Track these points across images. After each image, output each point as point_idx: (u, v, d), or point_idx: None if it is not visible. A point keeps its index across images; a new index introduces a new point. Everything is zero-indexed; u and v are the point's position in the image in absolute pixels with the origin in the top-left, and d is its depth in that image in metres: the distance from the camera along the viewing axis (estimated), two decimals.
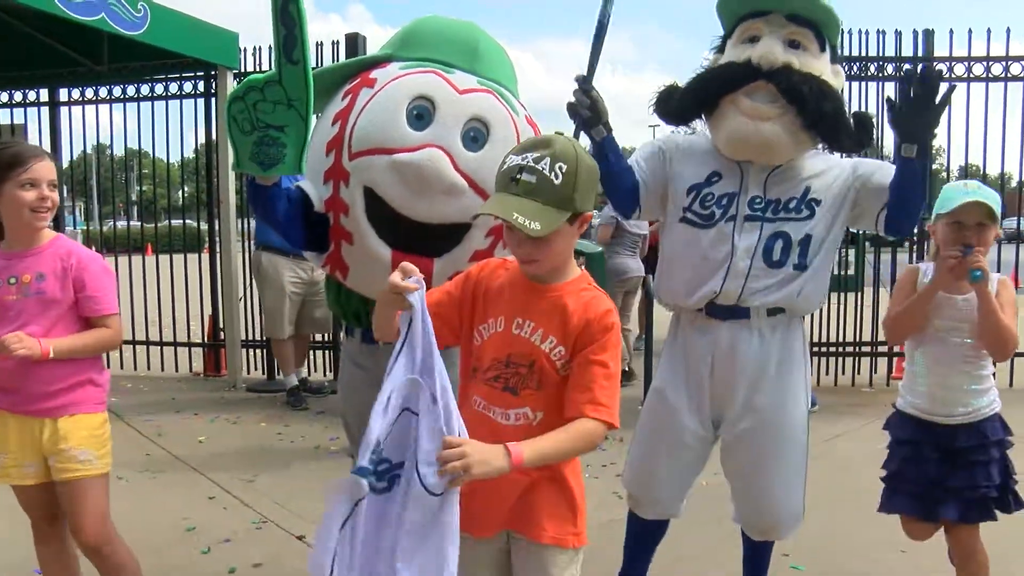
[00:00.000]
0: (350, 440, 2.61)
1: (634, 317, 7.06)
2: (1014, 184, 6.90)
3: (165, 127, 6.71)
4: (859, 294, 6.52)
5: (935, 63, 6.03)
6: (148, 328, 7.04)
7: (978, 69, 6.09)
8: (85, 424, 2.31)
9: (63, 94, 7.12)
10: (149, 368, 6.95)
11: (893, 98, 2.21)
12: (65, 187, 8.72)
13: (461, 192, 2.24)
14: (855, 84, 6.10)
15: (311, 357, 6.70)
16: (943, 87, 2.15)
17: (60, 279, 2.27)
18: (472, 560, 1.67)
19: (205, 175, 6.81)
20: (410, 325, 1.53)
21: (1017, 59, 6.06)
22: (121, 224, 9.81)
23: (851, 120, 2.38)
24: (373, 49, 2.63)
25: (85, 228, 8.57)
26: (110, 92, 6.91)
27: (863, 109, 5.63)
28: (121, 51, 6.12)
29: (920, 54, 6.07)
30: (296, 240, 2.42)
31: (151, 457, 4.55)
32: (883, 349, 6.49)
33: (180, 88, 6.67)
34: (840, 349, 6.50)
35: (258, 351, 6.74)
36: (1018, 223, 8.61)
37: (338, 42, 6.22)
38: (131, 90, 6.84)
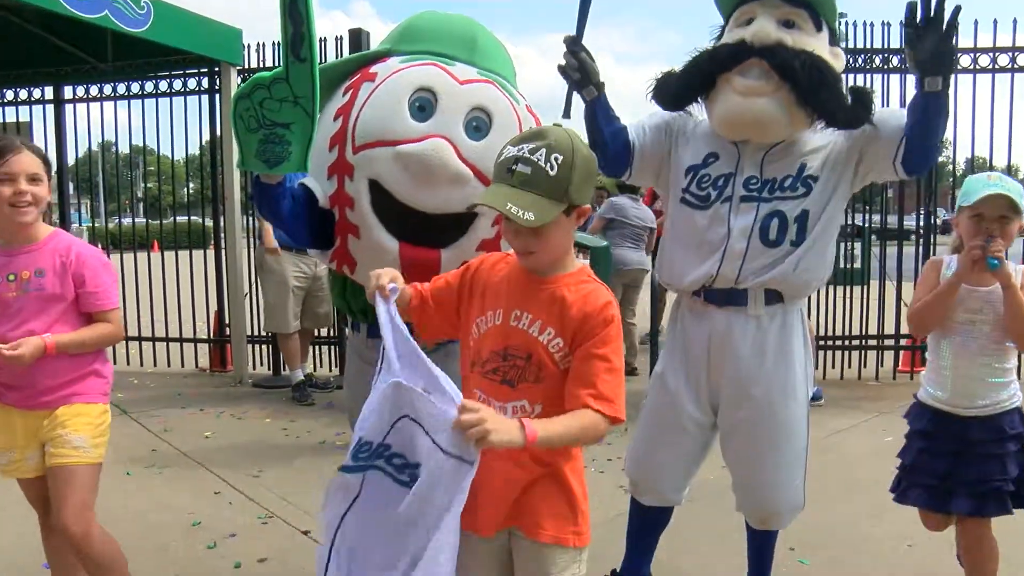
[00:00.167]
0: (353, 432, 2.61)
1: (641, 312, 7.01)
2: (1021, 175, 6.86)
3: (170, 124, 6.73)
4: (865, 287, 6.50)
5: None
6: (154, 324, 7.06)
7: (984, 60, 6.05)
8: (84, 411, 2.32)
9: (68, 91, 7.13)
10: (155, 364, 6.98)
11: (910, 30, 2.16)
12: (71, 184, 8.77)
13: (466, 181, 2.24)
14: (861, 76, 6.07)
15: (317, 352, 6.72)
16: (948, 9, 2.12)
17: (59, 275, 2.27)
18: (474, 558, 1.67)
19: (210, 172, 6.81)
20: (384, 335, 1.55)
21: None
22: (127, 221, 9.84)
23: (848, 95, 2.35)
24: (377, 45, 2.64)
25: (91, 225, 8.56)
26: (114, 89, 6.92)
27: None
28: (125, 48, 6.13)
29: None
30: (301, 238, 2.42)
31: (157, 452, 4.57)
32: (889, 343, 6.47)
33: (184, 85, 6.67)
34: (846, 342, 6.48)
35: (263, 347, 6.75)
36: None
37: (341, 38, 6.22)
38: (135, 87, 6.84)
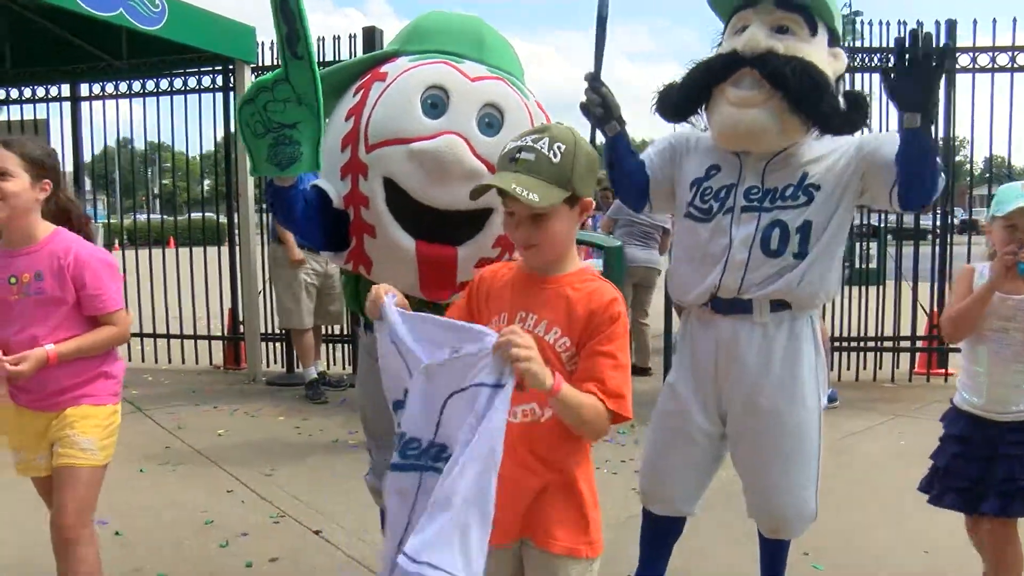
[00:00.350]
0: (367, 433, 2.61)
1: (655, 312, 6.95)
2: None
3: (184, 121, 6.76)
4: (881, 287, 6.45)
5: (959, 53, 5.96)
6: (168, 321, 7.09)
7: (1003, 59, 6.00)
8: (93, 413, 2.31)
9: (84, 89, 7.18)
10: (170, 361, 7.02)
11: (889, 66, 2.15)
12: (88, 181, 8.82)
13: (481, 177, 2.23)
14: (876, 76, 6.04)
15: (331, 351, 6.73)
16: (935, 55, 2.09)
17: (58, 278, 2.23)
18: (487, 568, 1.66)
19: (224, 169, 6.84)
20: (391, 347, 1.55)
21: None
22: (143, 217, 9.89)
23: (842, 100, 2.32)
24: (386, 46, 2.63)
25: (107, 222, 8.61)
26: (130, 87, 6.97)
27: (887, 102, 5.57)
28: (140, 46, 6.17)
29: (943, 45, 5.99)
30: (314, 240, 2.41)
31: (171, 450, 4.59)
32: (905, 344, 6.42)
33: (199, 82, 6.71)
34: (861, 344, 6.43)
35: (277, 344, 6.78)
36: None
37: (355, 36, 6.22)
38: (150, 85, 6.89)
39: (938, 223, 6.33)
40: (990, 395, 2.41)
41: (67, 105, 7.23)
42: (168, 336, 7.07)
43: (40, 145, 2.34)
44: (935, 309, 6.26)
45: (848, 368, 6.32)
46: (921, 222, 6.56)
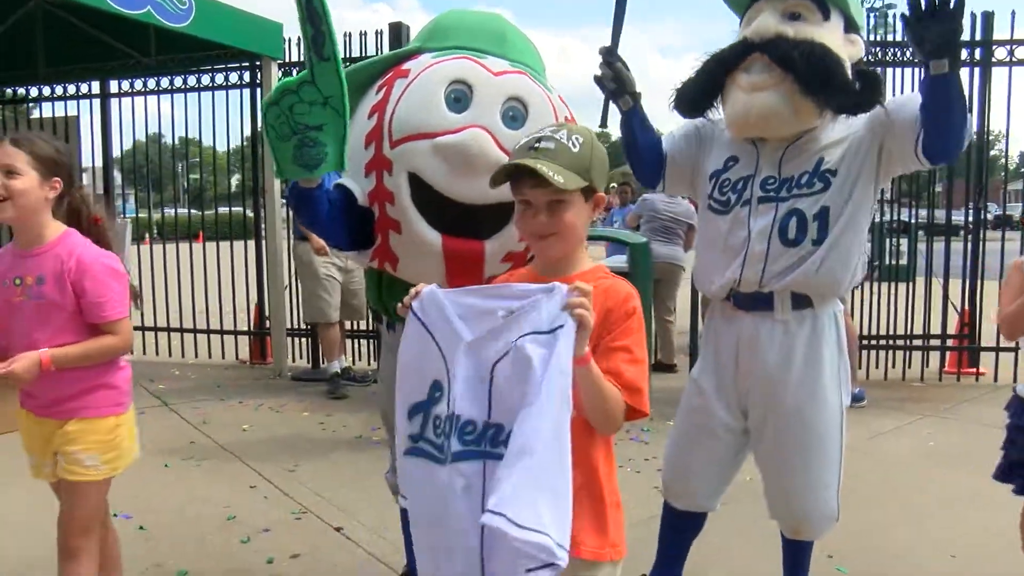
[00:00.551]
0: (387, 430, 2.61)
1: (681, 308, 6.89)
2: None
3: (212, 117, 6.82)
4: (911, 284, 6.34)
5: (995, 46, 5.84)
6: (195, 316, 7.16)
7: None
8: (95, 428, 2.24)
9: (113, 86, 7.27)
10: (196, 355, 7.09)
11: (908, 13, 2.09)
12: (118, 175, 8.93)
13: None
14: (908, 71, 5.95)
15: (355, 346, 6.76)
16: None
17: (58, 283, 2.16)
18: None
19: (251, 164, 6.89)
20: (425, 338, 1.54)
21: None
22: (171, 212, 9.99)
23: (853, 78, 2.27)
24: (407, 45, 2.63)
25: (135, 216, 8.73)
26: (158, 83, 7.03)
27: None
28: (168, 43, 6.21)
29: (979, 38, 5.87)
30: (339, 240, 2.41)
31: (195, 445, 4.63)
32: (935, 342, 6.31)
33: (226, 79, 6.76)
34: (890, 342, 6.34)
35: (303, 339, 6.82)
36: None
37: (381, 31, 6.22)
38: (178, 81, 6.94)
39: (970, 218, 6.20)
40: None
41: (97, 102, 7.32)
42: (195, 331, 7.13)
43: (51, 142, 2.26)
44: (966, 307, 6.15)
45: (877, 367, 6.23)
46: (953, 218, 6.44)
